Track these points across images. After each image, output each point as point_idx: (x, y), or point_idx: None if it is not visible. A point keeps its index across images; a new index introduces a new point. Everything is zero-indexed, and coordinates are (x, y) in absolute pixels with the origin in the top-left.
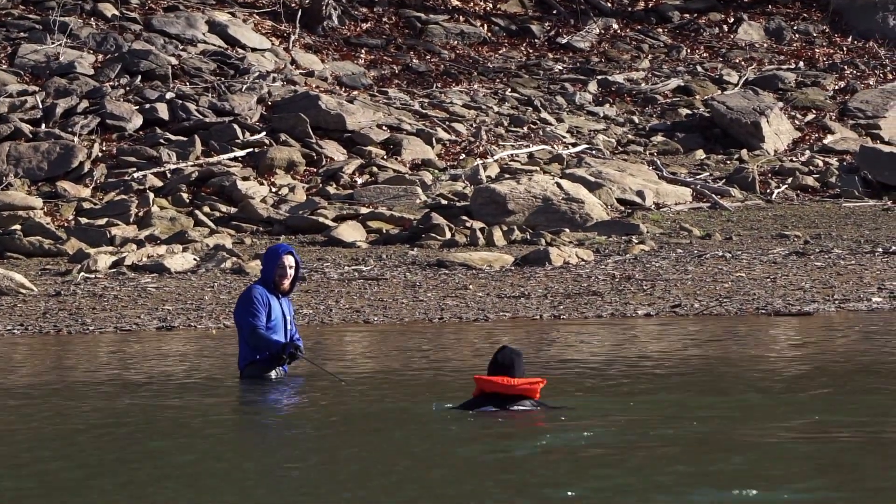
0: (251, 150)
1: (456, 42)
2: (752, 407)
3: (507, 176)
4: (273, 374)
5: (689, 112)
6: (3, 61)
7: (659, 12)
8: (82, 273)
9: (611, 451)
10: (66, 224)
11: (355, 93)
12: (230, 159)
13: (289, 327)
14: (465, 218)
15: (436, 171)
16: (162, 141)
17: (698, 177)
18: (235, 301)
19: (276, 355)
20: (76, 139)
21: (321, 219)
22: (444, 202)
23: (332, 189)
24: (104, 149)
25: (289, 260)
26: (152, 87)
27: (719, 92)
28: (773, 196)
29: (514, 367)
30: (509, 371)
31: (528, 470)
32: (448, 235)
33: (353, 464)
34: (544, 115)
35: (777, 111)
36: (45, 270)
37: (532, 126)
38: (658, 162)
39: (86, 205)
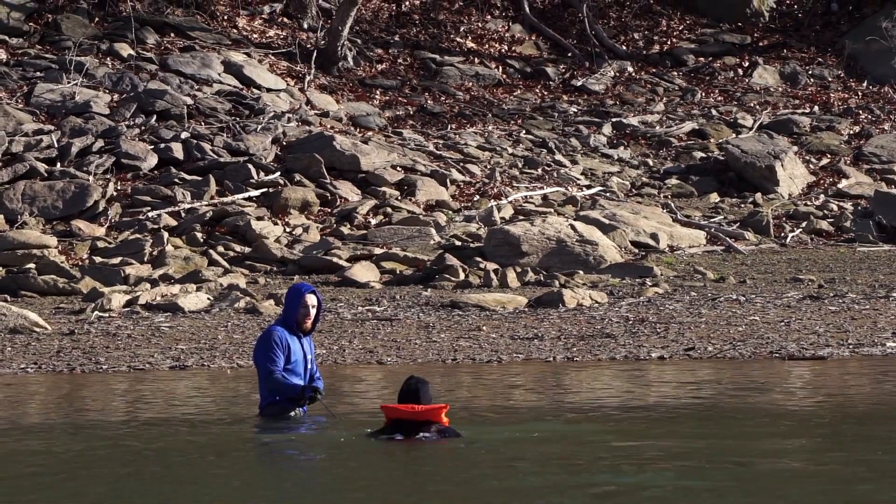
0: (266, 190)
1: (471, 84)
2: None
3: (521, 217)
4: (293, 413)
5: (703, 155)
6: (20, 100)
7: (674, 56)
8: (96, 312)
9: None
10: (80, 263)
11: (370, 133)
12: (245, 199)
13: (309, 366)
14: (478, 259)
15: (450, 212)
16: (177, 180)
17: (712, 220)
18: (249, 341)
19: (296, 398)
20: (91, 178)
21: (335, 259)
22: (458, 243)
23: (346, 229)
24: (119, 188)
25: (311, 300)
26: (167, 126)
27: (734, 135)
28: (788, 240)
29: (419, 395)
30: (415, 398)
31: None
32: (462, 276)
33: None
34: (559, 157)
35: (792, 155)
36: (59, 309)
37: (546, 168)
38: (672, 205)
39: (100, 244)
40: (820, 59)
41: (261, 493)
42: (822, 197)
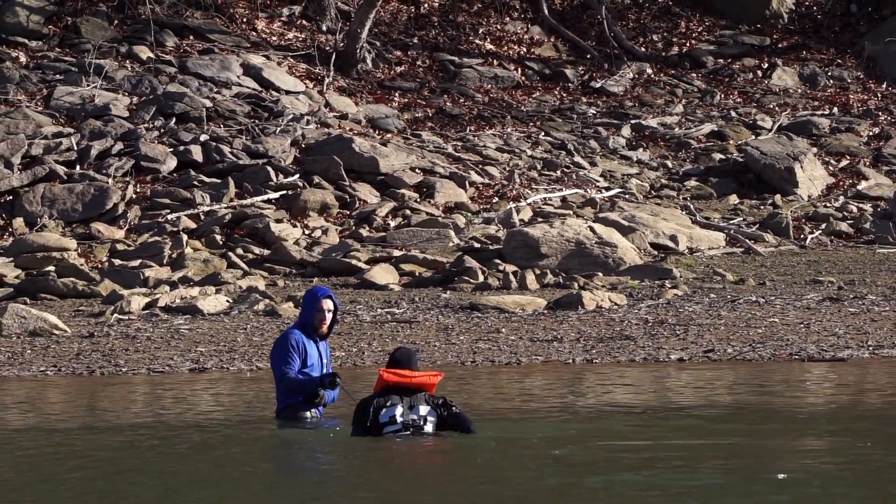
0: (284, 192)
1: (489, 86)
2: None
3: (539, 219)
4: (308, 415)
5: (722, 157)
6: (39, 103)
7: (693, 57)
8: (115, 314)
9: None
10: (99, 265)
11: (389, 136)
12: (263, 201)
13: (324, 370)
14: (497, 261)
15: (469, 214)
16: (196, 183)
17: (732, 222)
18: (268, 343)
19: (313, 394)
20: (110, 181)
21: (354, 261)
22: (477, 245)
23: (364, 232)
24: (138, 191)
25: (327, 304)
26: (186, 129)
27: (753, 137)
28: (807, 241)
29: (411, 362)
30: (408, 366)
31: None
32: (481, 279)
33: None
34: (577, 158)
35: (811, 157)
36: (78, 312)
37: (565, 170)
38: (691, 206)
39: (119, 246)
40: (839, 61)
41: (272, 493)
42: (841, 198)
